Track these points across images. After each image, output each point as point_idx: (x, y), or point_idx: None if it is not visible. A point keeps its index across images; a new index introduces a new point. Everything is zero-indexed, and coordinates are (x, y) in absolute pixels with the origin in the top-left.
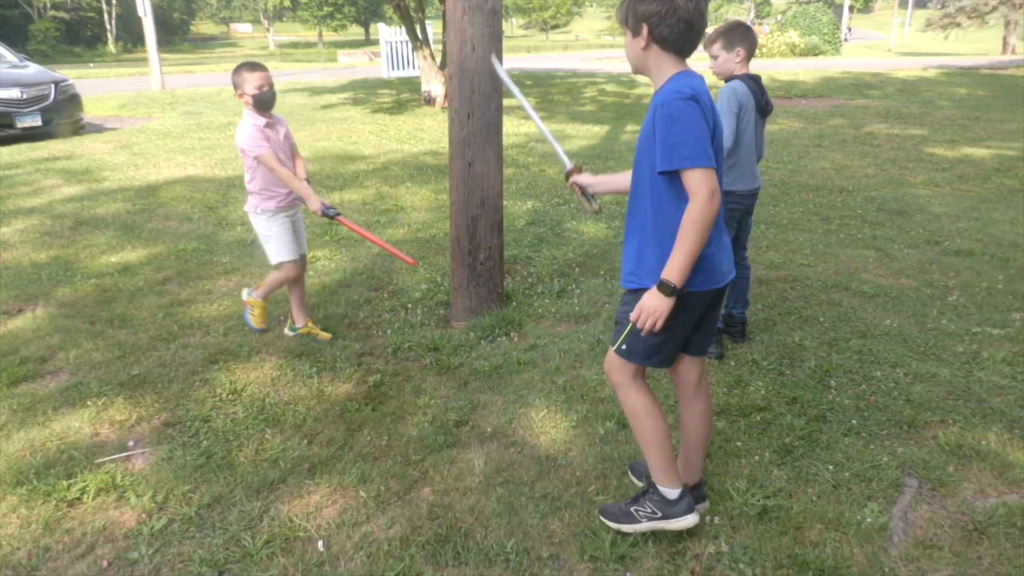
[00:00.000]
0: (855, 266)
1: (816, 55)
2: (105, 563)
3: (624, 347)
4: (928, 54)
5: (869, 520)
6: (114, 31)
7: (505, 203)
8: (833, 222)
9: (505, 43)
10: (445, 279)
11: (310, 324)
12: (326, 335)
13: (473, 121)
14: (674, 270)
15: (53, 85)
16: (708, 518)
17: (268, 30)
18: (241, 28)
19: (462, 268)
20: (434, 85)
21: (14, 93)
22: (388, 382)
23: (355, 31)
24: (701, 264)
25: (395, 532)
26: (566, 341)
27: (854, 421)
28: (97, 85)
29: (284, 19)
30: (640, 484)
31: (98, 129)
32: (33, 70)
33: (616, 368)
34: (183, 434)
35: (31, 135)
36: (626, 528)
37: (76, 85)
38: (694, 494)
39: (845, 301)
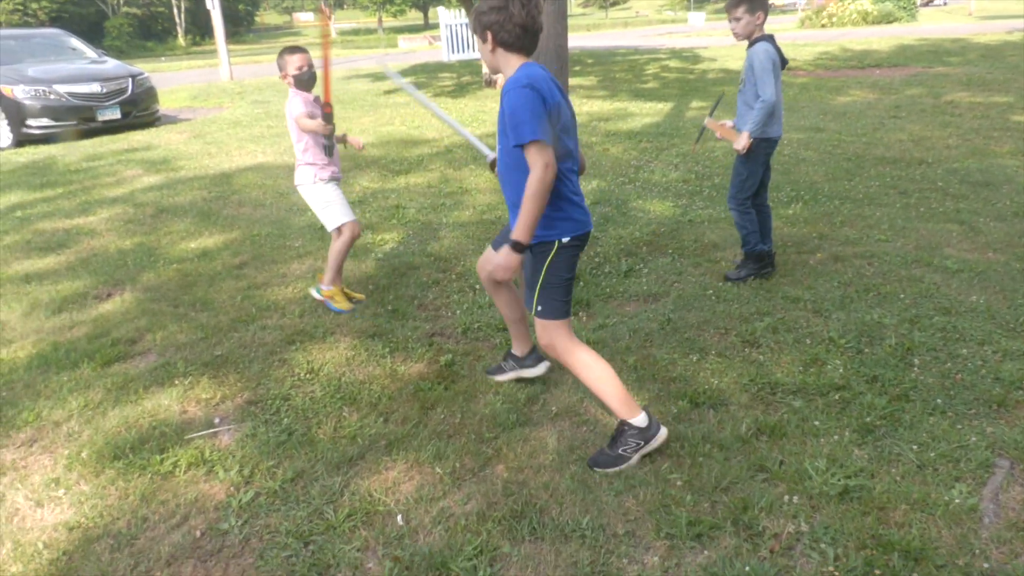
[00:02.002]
0: (937, 241)
1: (890, 22)
2: (198, 533)
3: (540, 308)
4: (1014, 16)
5: (957, 501)
6: (183, 25)
7: None
8: (912, 195)
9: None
10: None
11: (345, 289)
12: (360, 295)
13: None
14: (521, 231)
15: (130, 79)
16: (786, 497)
17: (329, 18)
18: (303, 17)
19: None
20: None
21: (95, 88)
22: (459, 361)
23: (414, 16)
24: (573, 219)
25: (471, 507)
26: (635, 320)
27: (939, 400)
28: (169, 78)
29: (345, 7)
30: (506, 378)
31: (172, 120)
32: (111, 65)
33: (551, 335)
34: (265, 412)
35: (111, 128)
36: (623, 467)
37: (151, 78)
38: (532, 358)
39: (927, 277)
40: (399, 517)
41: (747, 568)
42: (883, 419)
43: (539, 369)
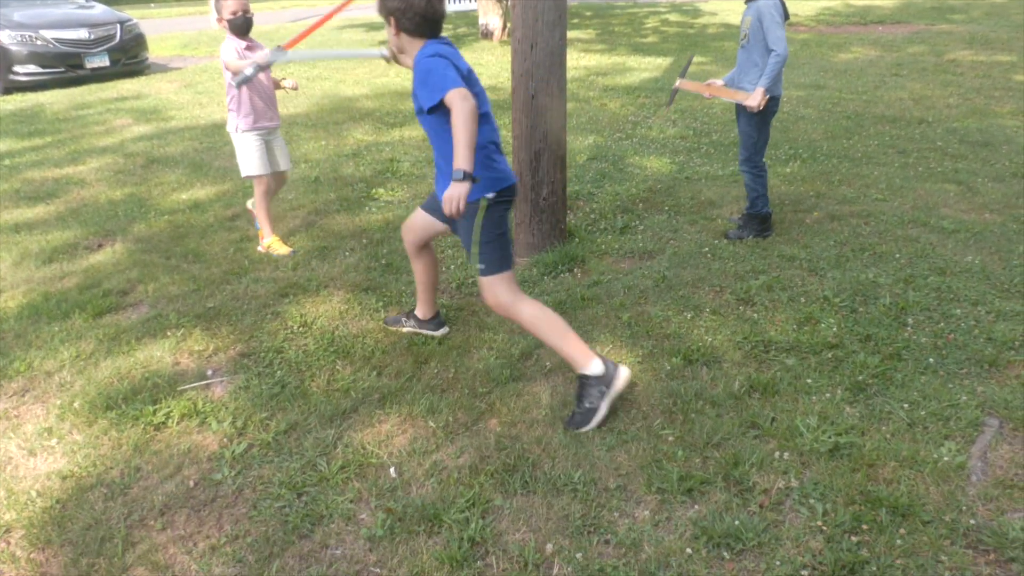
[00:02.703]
0: (934, 201)
1: None
2: (192, 483)
3: (483, 266)
4: None
5: (946, 459)
6: None
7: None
8: (911, 155)
9: None
10: None
11: (276, 239)
12: (286, 249)
13: (536, 51)
14: (461, 160)
15: (119, 25)
16: (777, 453)
17: None
18: None
19: (524, 203)
20: (492, 18)
21: (82, 34)
22: (453, 316)
23: None
24: (495, 175)
25: (464, 461)
26: (630, 277)
27: (931, 359)
28: (159, 25)
29: None
30: (405, 329)
31: (163, 69)
32: (99, 10)
33: (495, 291)
34: (258, 364)
35: (100, 75)
36: (597, 419)
37: (140, 25)
38: (434, 323)
39: (923, 237)
40: (392, 469)
41: (736, 522)
42: (875, 377)
43: (439, 332)
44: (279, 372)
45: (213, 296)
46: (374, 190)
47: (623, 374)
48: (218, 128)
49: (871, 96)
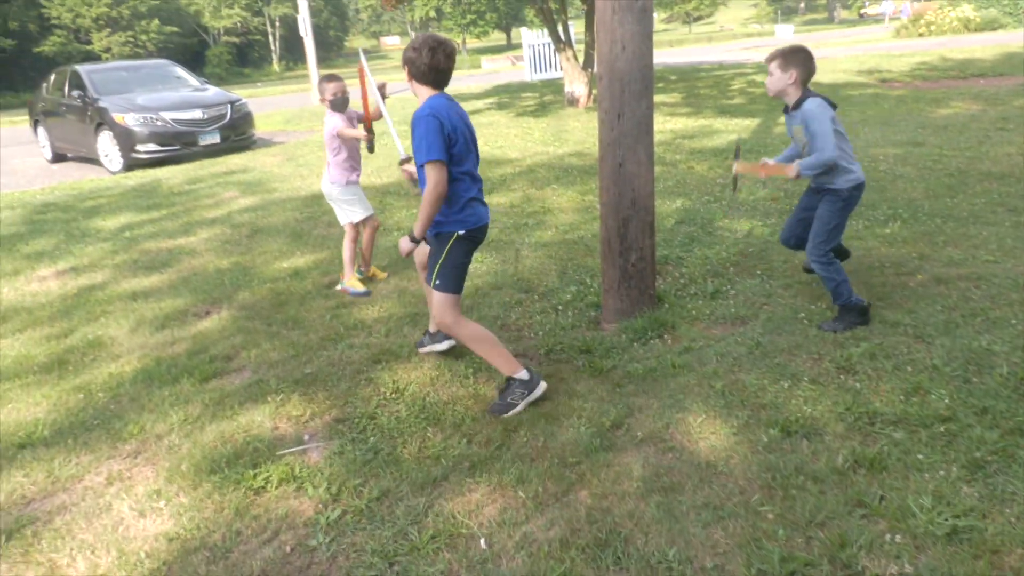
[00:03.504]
0: None
1: (995, 29)
2: (288, 548)
3: (438, 282)
4: None
5: None
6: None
7: None
8: (1022, 213)
9: None
10: (594, 280)
11: (374, 269)
12: (382, 275)
13: (624, 121)
14: (417, 227)
15: (229, 105)
16: (888, 535)
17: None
18: (390, 41)
19: (613, 269)
20: (577, 86)
21: (197, 114)
22: None
23: (497, 36)
24: (468, 218)
25: (555, 534)
26: (722, 344)
27: None
28: (265, 103)
29: (430, 29)
30: (427, 350)
31: (267, 143)
32: (212, 92)
33: (443, 309)
34: (352, 430)
35: (211, 151)
36: (513, 412)
37: (248, 104)
38: (441, 335)
39: None
40: (482, 540)
41: None
42: (995, 454)
43: (444, 345)
44: (372, 438)
45: (310, 362)
46: None
47: (543, 386)
48: (316, 199)
49: (975, 152)
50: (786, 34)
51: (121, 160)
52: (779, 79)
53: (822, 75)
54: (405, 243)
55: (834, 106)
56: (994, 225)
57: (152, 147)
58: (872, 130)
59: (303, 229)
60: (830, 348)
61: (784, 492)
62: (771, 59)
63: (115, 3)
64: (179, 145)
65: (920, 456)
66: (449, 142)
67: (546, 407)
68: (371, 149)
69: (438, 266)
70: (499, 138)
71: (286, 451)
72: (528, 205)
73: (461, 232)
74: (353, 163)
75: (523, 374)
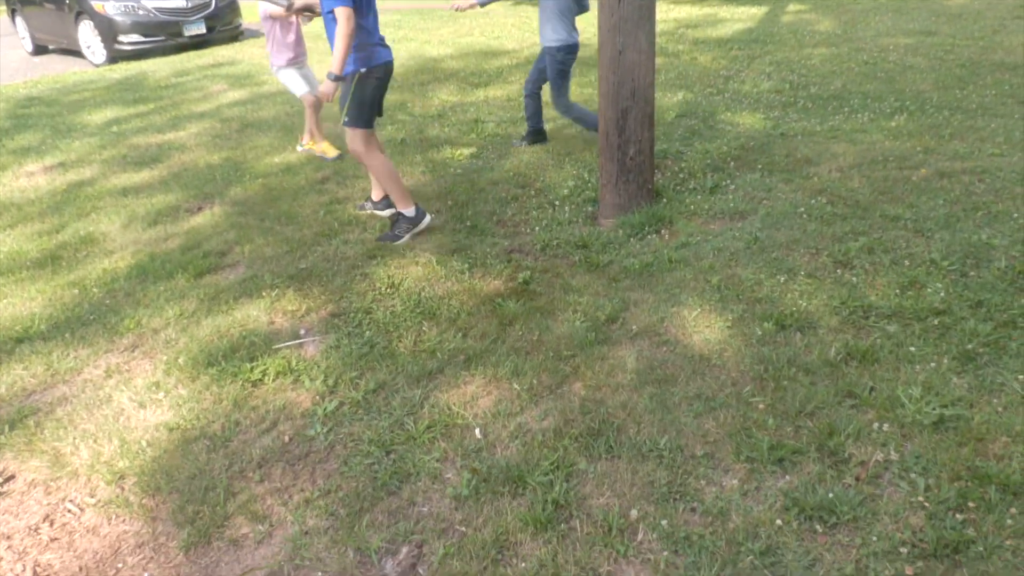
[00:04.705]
0: None
1: None
2: (287, 438)
3: (347, 118)
4: None
5: None
6: None
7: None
8: None
9: None
10: (592, 175)
11: (318, 142)
12: (334, 151)
13: (624, 5)
14: (334, 65)
15: None
16: (876, 424)
17: None
18: None
19: (611, 163)
20: None
21: (180, 3)
22: (538, 279)
23: None
24: (372, 54)
25: (548, 424)
26: (720, 239)
27: None
28: None
29: None
30: (367, 211)
31: (255, 35)
32: None
33: (355, 141)
34: (348, 324)
35: (197, 43)
36: (399, 243)
37: None
38: (382, 204)
39: None
40: (477, 430)
41: (830, 495)
42: (986, 346)
43: (386, 212)
44: (368, 332)
45: (305, 257)
46: (459, 151)
47: (427, 220)
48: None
49: (988, 42)
50: None
51: (104, 52)
52: None
53: None
54: (326, 85)
55: None
56: (1003, 117)
57: (135, 38)
58: (883, 18)
59: (294, 123)
60: (828, 243)
61: (775, 384)
62: None
63: None
64: (163, 35)
65: (912, 348)
66: None
67: (541, 302)
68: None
69: (347, 104)
70: (495, 28)
71: (283, 345)
72: None
73: (363, 70)
74: (287, 46)
75: (411, 210)
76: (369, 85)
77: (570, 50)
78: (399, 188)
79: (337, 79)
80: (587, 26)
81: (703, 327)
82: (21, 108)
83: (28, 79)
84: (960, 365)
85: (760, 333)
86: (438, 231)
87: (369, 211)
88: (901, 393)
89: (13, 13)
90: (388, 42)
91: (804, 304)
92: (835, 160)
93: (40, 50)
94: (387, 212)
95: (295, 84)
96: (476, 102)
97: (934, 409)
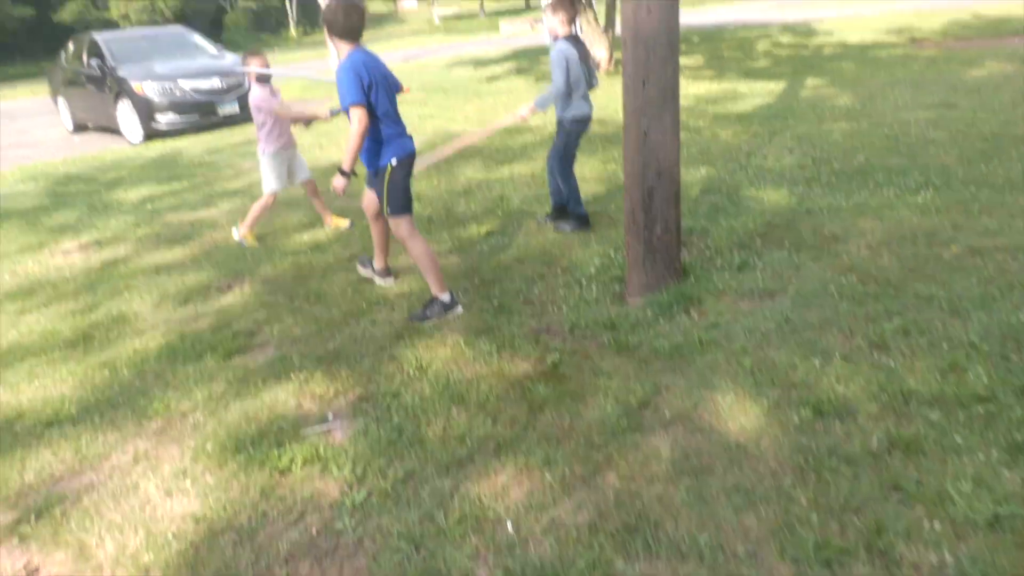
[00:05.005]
0: None
1: None
2: (314, 531)
3: (389, 209)
4: None
5: None
6: (295, 17)
7: None
8: None
9: None
10: (618, 253)
11: (334, 218)
12: (344, 221)
13: (648, 87)
14: (345, 162)
15: (247, 74)
16: (926, 522)
17: (432, 4)
18: (407, 5)
19: (637, 242)
20: (598, 49)
21: (215, 83)
22: (566, 361)
23: None
24: (398, 149)
25: (582, 518)
26: (751, 319)
27: None
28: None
29: None
30: (365, 274)
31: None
32: (230, 60)
33: (397, 226)
34: (376, 409)
35: (230, 121)
36: (426, 324)
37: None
38: (384, 272)
39: None
40: (509, 524)
41: None
42: None
43: (387, 282)
44: (396, 417)
45: (333, 338)
46: (484, 228)
47: (459, 309)
48: (335, 169)
49: (1010, 115)
50: None
51: (141, 130)
52: (550, 21)
53: (851, 35)
54: (337, 180)
55: (585, 55)
56: None
57: (171, 117)
58: (901, 92)
59: (323, 200)
60: (862, 323)
61: (817, 475)
62: (547, 7)
63: None
64: (198, 115)
65: (958, 438)
66: (369, 89)
67: (571, 385)
68: (307, 124)
69: (384, 197)
70: (518, 105)
71: (310, 430)
72: None
73: (393, 162)
74: (277, 134)
75: (446, 296)
76: (400, 174)
77: (583, 121)
78: (437, 273)
79: (347, 175)
80: (608, 102)
81: (738, 413)
82: (60, 185)
83: (67, 157)
84: (1010, 457)
85: (798, 420)
86: (465, 311)
87: (367, 272)
88: (950, 487)
89: (56, 93)
90: (414, 118)
91: (841, 389)
92: (863, 237)
93: (80, 128)
94: (387, 281)
95: (276, 175)
96: (501, 179)
97: (987, 506)
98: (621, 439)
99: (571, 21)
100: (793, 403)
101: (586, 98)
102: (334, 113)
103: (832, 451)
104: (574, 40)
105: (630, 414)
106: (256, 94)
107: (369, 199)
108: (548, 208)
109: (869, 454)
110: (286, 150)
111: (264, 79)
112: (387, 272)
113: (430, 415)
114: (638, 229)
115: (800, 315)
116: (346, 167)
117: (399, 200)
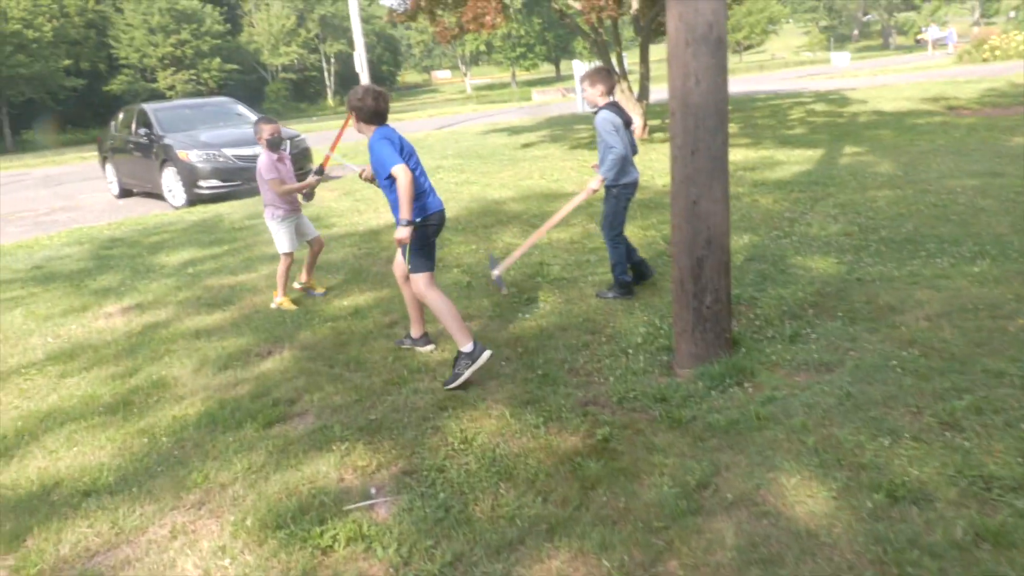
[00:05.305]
0: None
1: None
2: None
3: (411, 266)
4: None
5: None
6: (333, 87)
7: None
8: None
9: None
10: (665, 322)
11: (312, 281)
12: (320, 288)
13: (698, 157)
14: (404, 213)
15: (288, 141)
16: None
17: (465, 75)
18: (441, 75)
19: (686, 312)
20: (632, 116)
21: (258, 150)
22: (617, 435)
23: (546, 68)
24: (426, 204)
25: None
26: (808, 393)
27: None
28: (321, 137)
29: (480, 63)
30: (406, 346)
31: (324, 178)
32: None
33: (418, 284)
34: (421, 484)
35: None
36: (460, 380)
37: (306, 139)
38: (423, 340)
39: None
40: None
41: None
42: None
43: (427, 348)
44: (442, 494)
45: (375, 407)
46: (525, 296)
47: (486, 355)
48: (375, 234)
49: None
50: (843, 62)
51: (184, 195)
52: (590, 94)
53: (886, 103)
54: (400, 231)
55: (628, 121)
56: None
57: (214, 183)
58: (944, 160)
59: (362, 266)
60: (929, 400)
61: (899, 569)
62: (582, 79)
63: (179, 43)
64: (240, 181)
65: None
66: (400, 151)
67: (624, 461)
68: (308, 198)
69: (408, 254)
70: (555, 171)
71: (353, 506)
72: (589, 241)
73: (418, 220)
74: (283, 200)
75: (469, 346)
76: (424, 234)
77: (632, 186)
78: (458, 324)
79: (409, 224)
80: (644, 168)
81: (805, 496)
82: (104, 249)
83: (112, 221)
84: None
85: (871, 506)
86: (509, 381)
87: (408, 347)
88: None
89: (104, 160)
90: (451, 185)
91: (915, 472)
92: (920, 308)
93: (125, 193)
94: (427, 348)
95: (287, 238)
96: (540, 245)
97: None
98: (681, 523)
99: (610, 92)
100: (864, 486)
101: (632, 164)
102: (317, 174)
103: (913, 542)
104: (616, 107)
105: (689, 495)
106: (262, 160)
107: (398, 263)
108: (589, 275)
109: (954, 546)
110: (294, 214)
111: (274, 145)
112: (426, 339)
113: (477, 492)
114: (687, 298)
115: (861, 390)
116: (404, 217)
117: (421, 258)
